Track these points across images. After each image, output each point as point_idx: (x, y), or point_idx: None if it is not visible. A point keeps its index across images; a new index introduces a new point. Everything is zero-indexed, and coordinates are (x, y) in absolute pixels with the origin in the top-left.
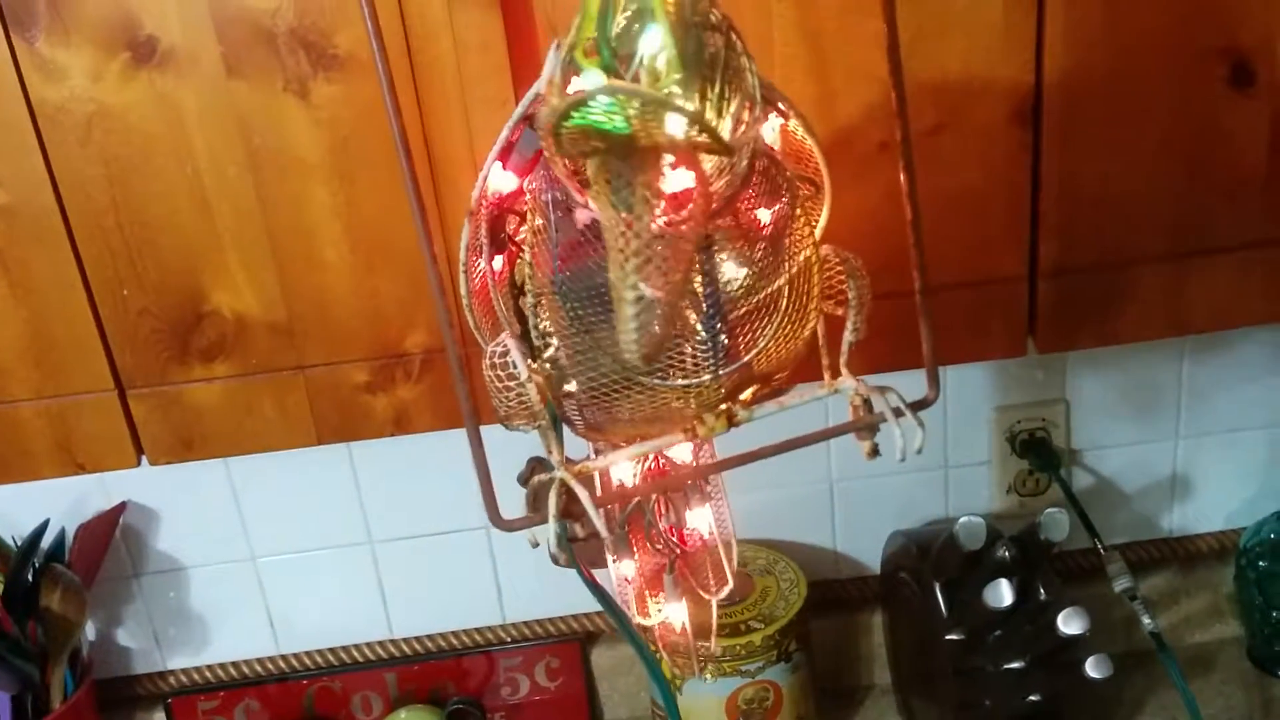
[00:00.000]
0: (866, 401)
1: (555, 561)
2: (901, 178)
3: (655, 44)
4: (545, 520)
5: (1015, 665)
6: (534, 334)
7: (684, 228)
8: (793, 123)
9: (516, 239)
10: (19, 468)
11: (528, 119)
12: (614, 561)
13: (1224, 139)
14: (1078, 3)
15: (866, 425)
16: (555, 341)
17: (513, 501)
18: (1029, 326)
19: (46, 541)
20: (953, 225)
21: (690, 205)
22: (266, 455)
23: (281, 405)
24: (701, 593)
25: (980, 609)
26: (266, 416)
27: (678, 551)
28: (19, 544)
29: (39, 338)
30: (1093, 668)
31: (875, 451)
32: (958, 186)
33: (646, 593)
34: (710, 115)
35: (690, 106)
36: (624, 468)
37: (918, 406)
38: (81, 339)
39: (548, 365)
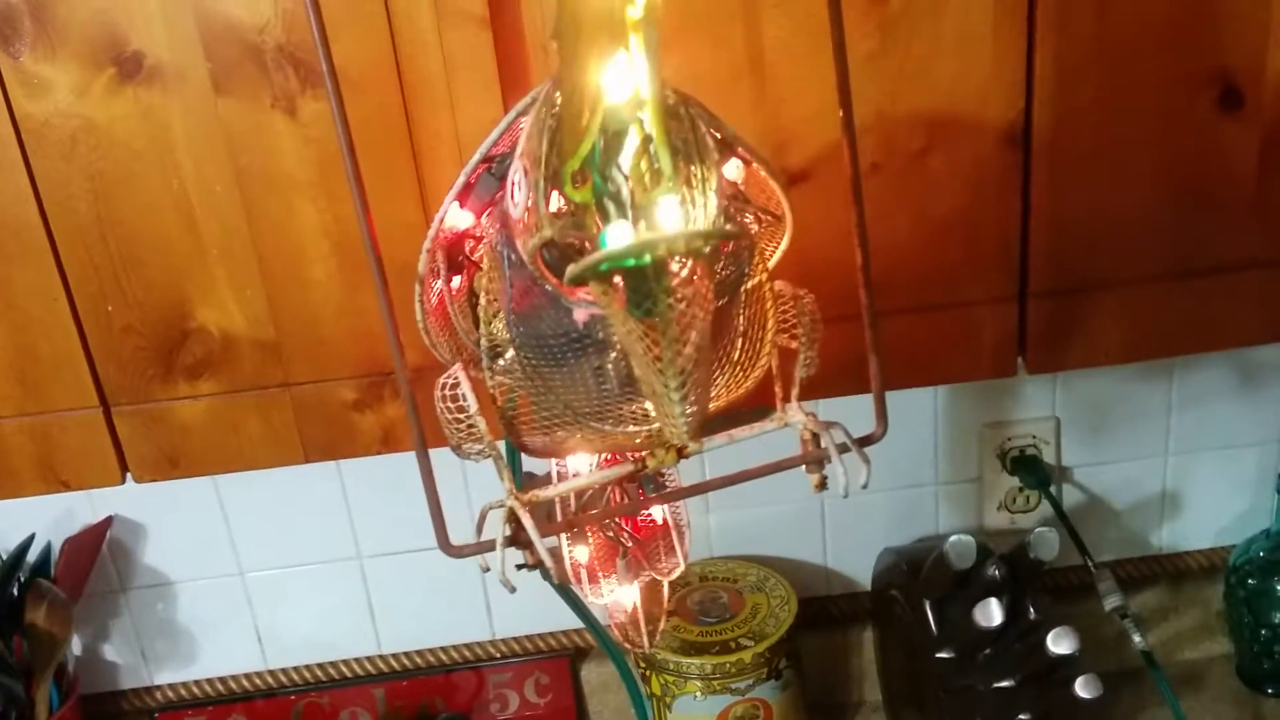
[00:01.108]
0: (815, 435)
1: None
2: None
3: (635, 155)
4: (493, 548)
5: (1005, 684)
6: (485, 341)
7: (700, 308)
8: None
9: (474, 257)
10: (2, 485)
11: (488, 161)
12: (569, 547)
13: (1214, 161)
14: (1068, 25)
15: (814, 459)
16: (510, 352)
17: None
18: (1019, 347)
19: (32, 556)
20: (942, 246)
21: (699, 286)
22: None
23: (268, 423)
24: (655, 574)
25: (970, 628)
26: (253, 435)
27: (630, 544)
28: (4, 559)
29: (22, 353)
30: (1083, 688)
31: (823, 485)
32: (947, 208)
33: (600, 572)
34: (700, 200)
35: (730, 228)
36: (580, 459)
37: (864, 442)
38: (65, 355)
39: (501, 371)
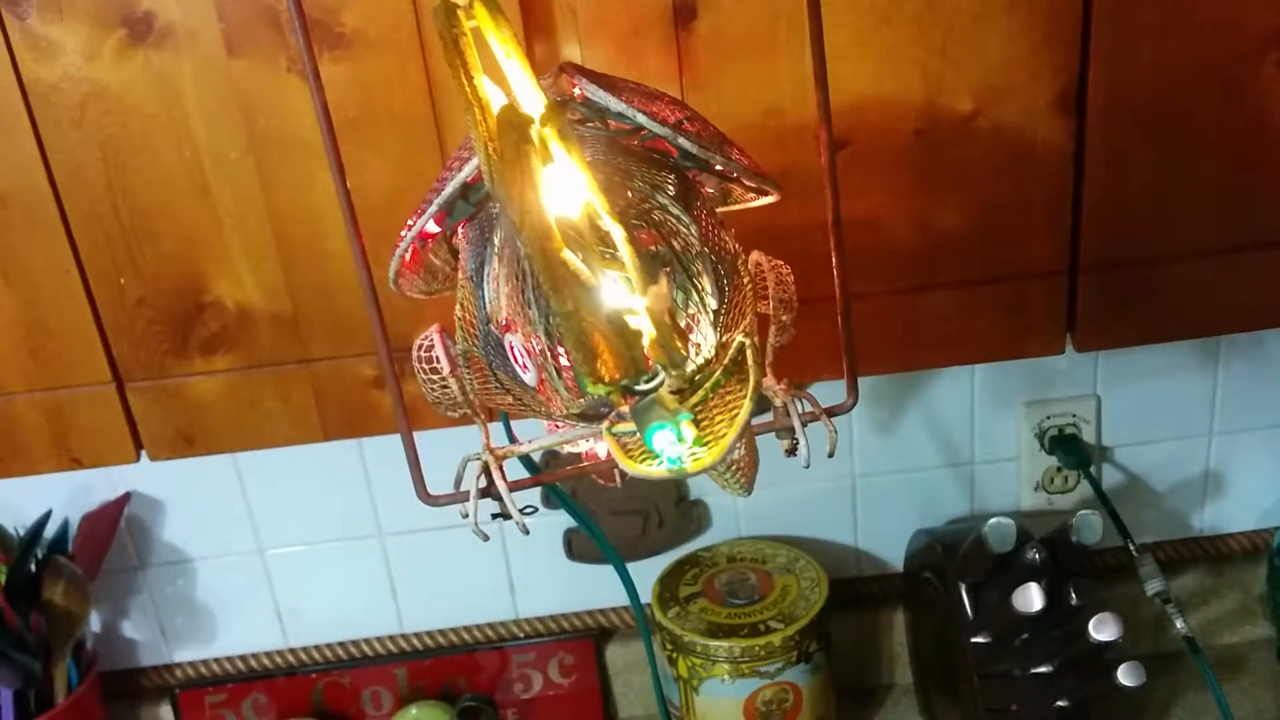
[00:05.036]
0: (785, 405)
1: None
2: (827, 161)
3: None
4: (467, 499)
5: (1043, 670)
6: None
7: (750, 449)
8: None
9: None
10: (15, 462)
11: (464, 187)
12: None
13: (1276, 128)
14: None
15: (784, 427)
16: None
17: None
18: (1068, 323)
19: (49, 532)
20: (989, 217)
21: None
22: None
23: (286, 400)
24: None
25: (1008, 612)
26: (270, 412)
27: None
28: (21, 535)
29: (34, 328)
30: (1125, 676)
31: (793, 451)
32: (995, 176)
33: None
34: (706, 302)
35: (752, 364)
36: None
37: (833, 412)
38: (77, 330)
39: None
